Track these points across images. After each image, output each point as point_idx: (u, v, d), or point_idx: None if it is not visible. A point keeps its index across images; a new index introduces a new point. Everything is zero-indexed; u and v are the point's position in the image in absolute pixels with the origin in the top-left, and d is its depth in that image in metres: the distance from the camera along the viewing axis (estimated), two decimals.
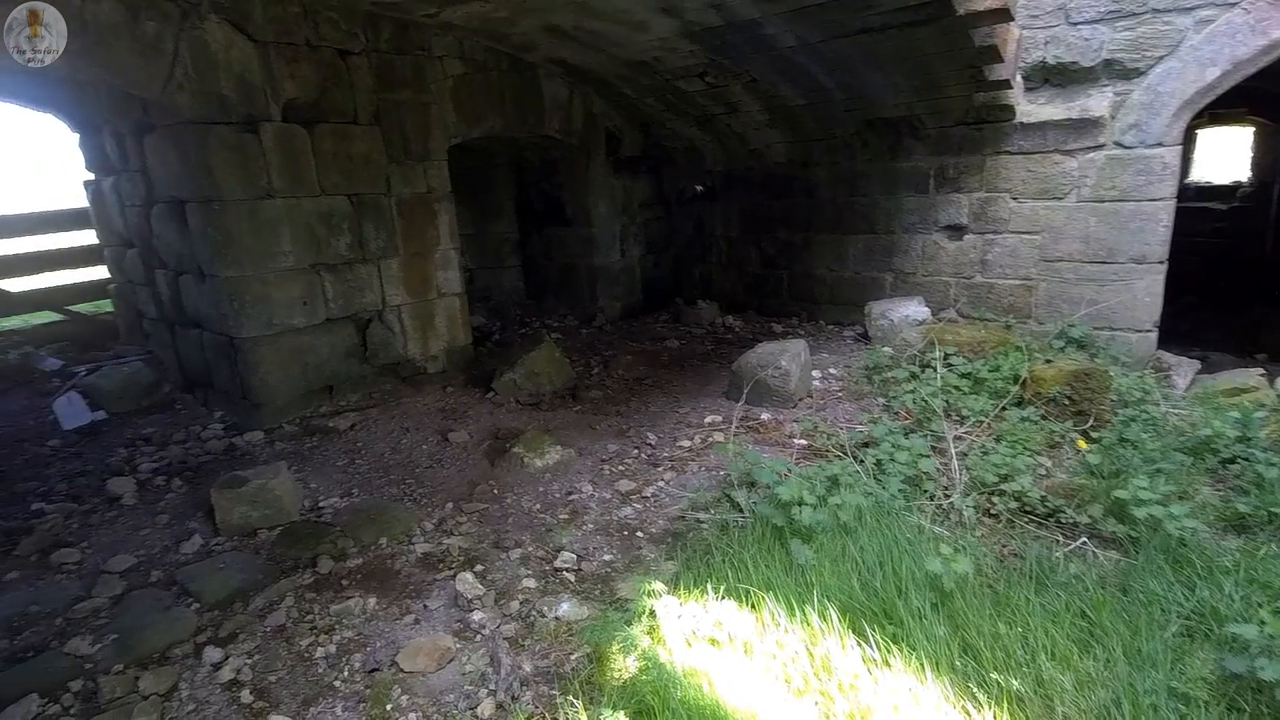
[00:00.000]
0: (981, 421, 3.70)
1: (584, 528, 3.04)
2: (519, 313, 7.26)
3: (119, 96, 4.52)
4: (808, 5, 4.09)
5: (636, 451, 3.82)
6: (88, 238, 6.14)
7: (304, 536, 3.08)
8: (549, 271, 7.40)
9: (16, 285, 6.05)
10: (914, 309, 5.41)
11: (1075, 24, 4.68)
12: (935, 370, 4.14)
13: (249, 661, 2.29)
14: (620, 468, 3.64)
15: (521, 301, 7.56)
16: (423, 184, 5.13)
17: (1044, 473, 3.24)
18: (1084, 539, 2.69)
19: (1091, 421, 3.58)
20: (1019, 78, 4.90)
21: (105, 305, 6.37)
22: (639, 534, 2.95)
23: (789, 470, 2.82)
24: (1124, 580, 2.39)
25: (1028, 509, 2.90)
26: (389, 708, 2.08)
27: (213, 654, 2.31)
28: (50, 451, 4.21)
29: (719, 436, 3.88)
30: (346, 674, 2.24)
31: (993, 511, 2.92)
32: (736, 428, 3.87)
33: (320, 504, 3.46)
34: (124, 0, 3.71)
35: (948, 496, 2.97)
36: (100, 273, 6.22)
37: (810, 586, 2.24)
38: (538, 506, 3.28)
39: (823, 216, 6.31)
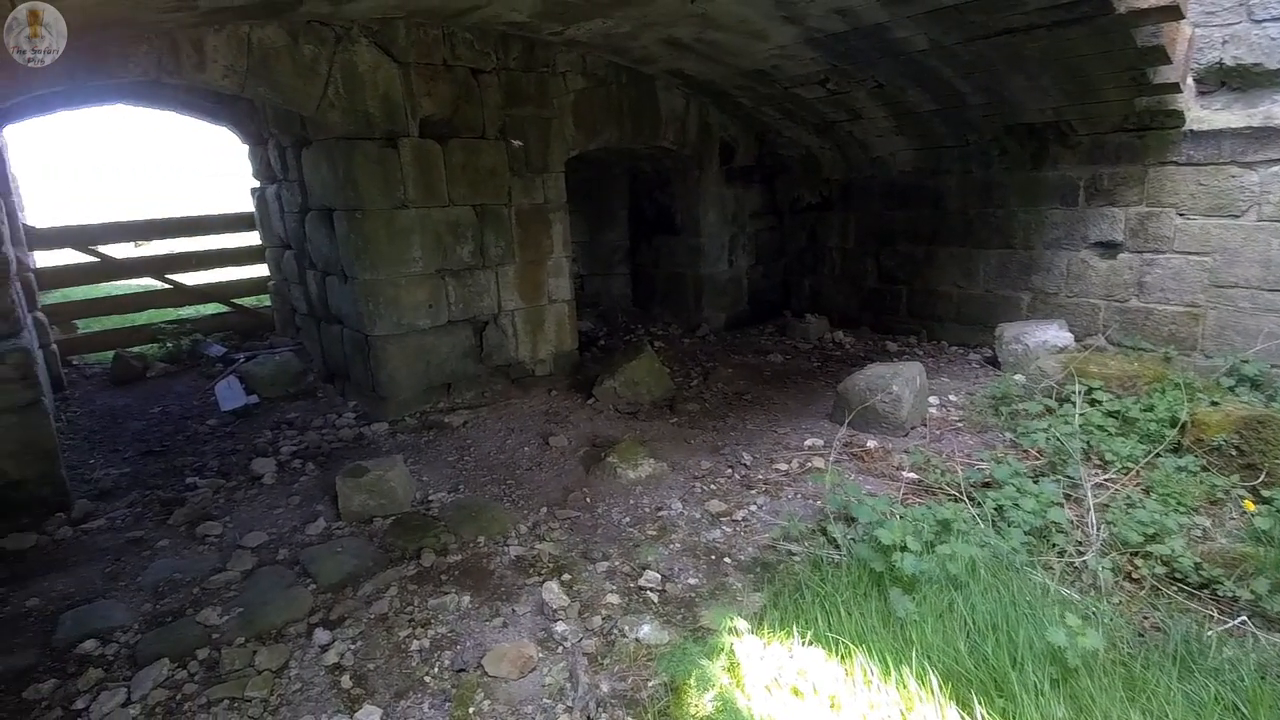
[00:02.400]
0: (1128, 469, 3.28)
1: (671, 546, 3.01)
2: (625, 319, 7.35)
3: (281, 113, 5.02)
4: (943, 6, 3.82)
5: (730, 471, 3.73)
6: (252, 239, 6.88)
7: (412, 528, 3.27)
8: (656, 279, 7.43)
9: (191, 279, 6.89)
10: (1053, 333, 4.92)
11: (1260, 21, 4.07)
12: (1075, 405, 3.72)
13: (352, 647, 2.45)
14: (712, 486, 3.57)
15: (628, 308, 7.65)
16: (540, 195, 5.31)
17: (1200, 535, 2.82)
18: (1244, 617, 2.30)
19: (1263, 478, 3.07)
20: (1190, 80, 4.32)
21: (265, 300, 7.12)
22: (726, 559, 2.88)
23: (892, 509, 2.63)
24: None
25: (1177, 576, 2.53)
26: (471, 710, 2.15)
27: (322, 636, 2.50)
28: (208, 430, 4.75)
29: (819, 462, 3.71)
30: (436, 670, 2.34)
31: (1134, 576, 2.58)
32: (838, 454, 3.68)
33: (430, 497, 3.65)
34: (286, 26, 4.13)
35: (1081, 554, 2.66)
36: (261, 270, 6.97)
37: (909, 644, 2.07)
38: (627, 519, 3.28)
39: (950, 229, 5.89)
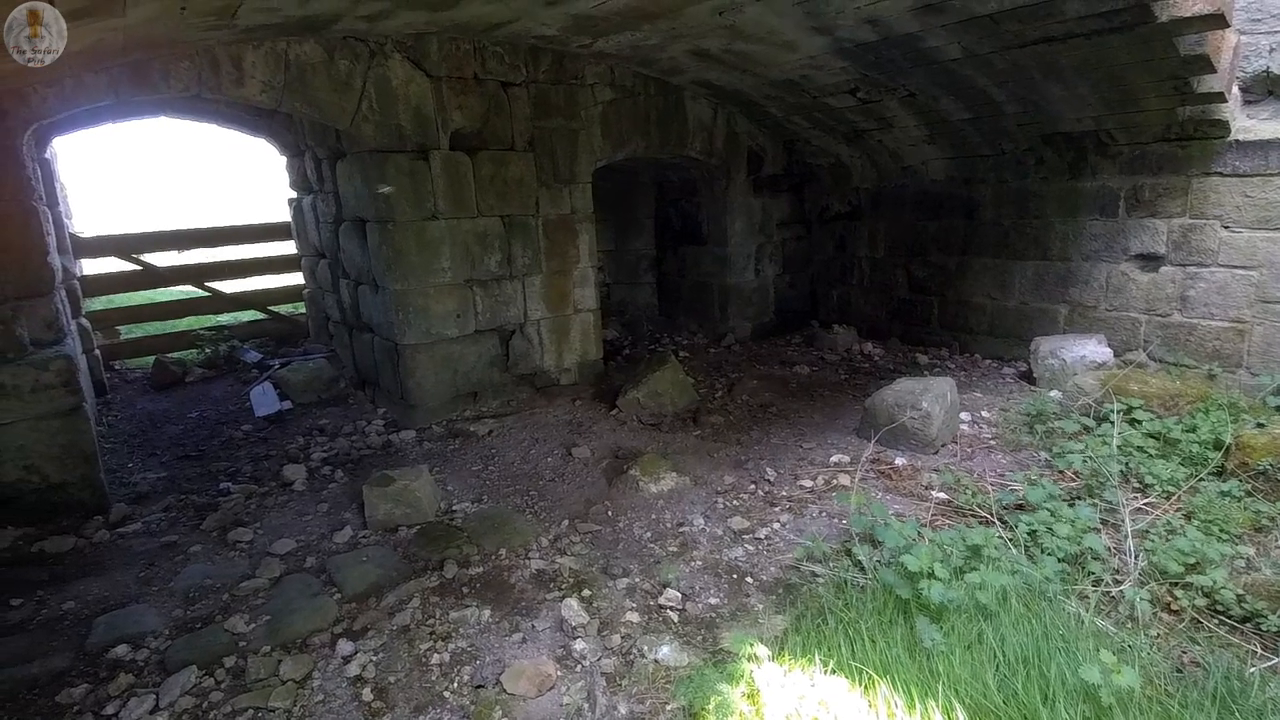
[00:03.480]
0: (1169, 494, 3.16)
1: (692, 564, 2.98)
2: (650, 328, 7.34)
3: (317, 126, 5.14)
4: (978, 15, 3.75)
5: (753, 486, 3.69)
6: (288, 247, 7.04)
7: (436, 538, 3.30)
8: (682, 288, 7.41)
9: (229, 286, 7.08)
10: (1092, 348, 4.78)
11: None
12: (1114, 425, 3.60)
13: (374, 659, 2.47)
14: (735, 502, 3.53)
15: (654, 317, 7.64)
16: (568, 205, 5.34)
17: (1244, 565, 2.70)
18: None
19: None
20: (1236, 89, 4.17)
21: (300, 307, 7.28)
22: (748, 579, 2.84)
23: (919, 533, 2.57)
24: None
25: (1219, 609, 2.43)
26: None
27: (345, 647, 2.53)
28: (243, 435, 4.86)
29: (844, 479, 3.65)
30: (456, 685, 2.35)
31: (1174, 608, 2.48)
32: (865, 472, 3.61)
33: (454, 507, 3.68)
34: (322, 42, 4.23)
35: (1118, 583, 2.56)
36: (297, 279, 7.12)
37: (936, 676, 2.01)
38: (648, 535, 3.26)
39: (984, 239, 5.77)
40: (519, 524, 3.42)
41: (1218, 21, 3.41)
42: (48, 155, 5.30)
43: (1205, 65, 3.73)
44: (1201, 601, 2.46)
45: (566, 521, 3.44)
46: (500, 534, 3.31)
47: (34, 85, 3.58)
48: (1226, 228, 4.42)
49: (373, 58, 4.39)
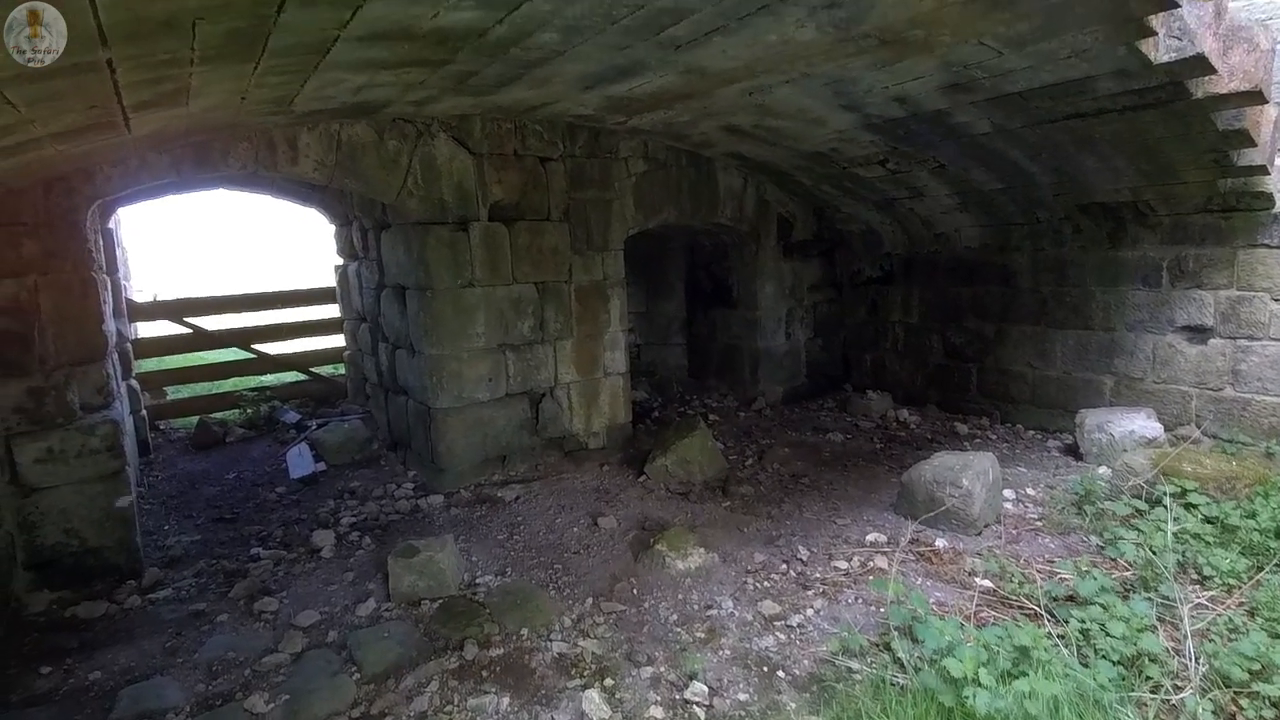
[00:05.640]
0: (1230, 587, 2.96)
1: (720, 653, 2.86)
2: (680, 390, 7.31)
3: (364, 199, 5.37)
4: (1007, 93, 3.78)
5: (785, 566, 3.57)
6: (332, 310, 7.28)
7: (458, 614, 3.25)
8: (711, 351, 7.40)
9: (273, 348, 7.32)
10: (1141, 423, 4.58)
11: None
12: (1167, 508, 3.41)
13: None
14: (766, 584, 3.41)
15: (684, 379, 7.62)
16: (600, 272, 5.44)
17: None
18: None
19: None
20: (1279, 161, 4.09)
21: (340, 368, 7.47)
22: (779, 673, 2.71)
23: (963, 630, 2.43)
24: None
25: None
26: None
27: None
28: (276, 498, 4.92)
29: (881, 561, 3.50)
30: None
31: (1239, 719, 2.28)
32: (903, 554, 3.47)
33: (477, 580, 3.63)
34: (373, 124, 4.46)
35: (1178, 690, 2.38)
36: (338, 340, 7.34)
37: None
38: (674, 617, 3.16)
39: (1022, 306, 5.67)
40: (542, 601, 3.35)
41: (1255, 98, 3.38)
42: (110, 225, 5.62)
43: (1245, 139, 3.68)
44: (1269, 713, 2.26)
45: (590, 600, 3.35)
46: (522, 611, 3.24)
47: (100, 165, 3.83)
48: (1277, 300, 4.27)
49: (419, 137, 4.61)
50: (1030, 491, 4.30)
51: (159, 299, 7.43)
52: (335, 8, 2.09)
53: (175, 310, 6.75)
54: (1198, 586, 3.03)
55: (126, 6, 1.66)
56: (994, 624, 2.70)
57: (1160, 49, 3.08)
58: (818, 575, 3.45)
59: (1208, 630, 2.67)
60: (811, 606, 3.16)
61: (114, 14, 1.66)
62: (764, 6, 2.58)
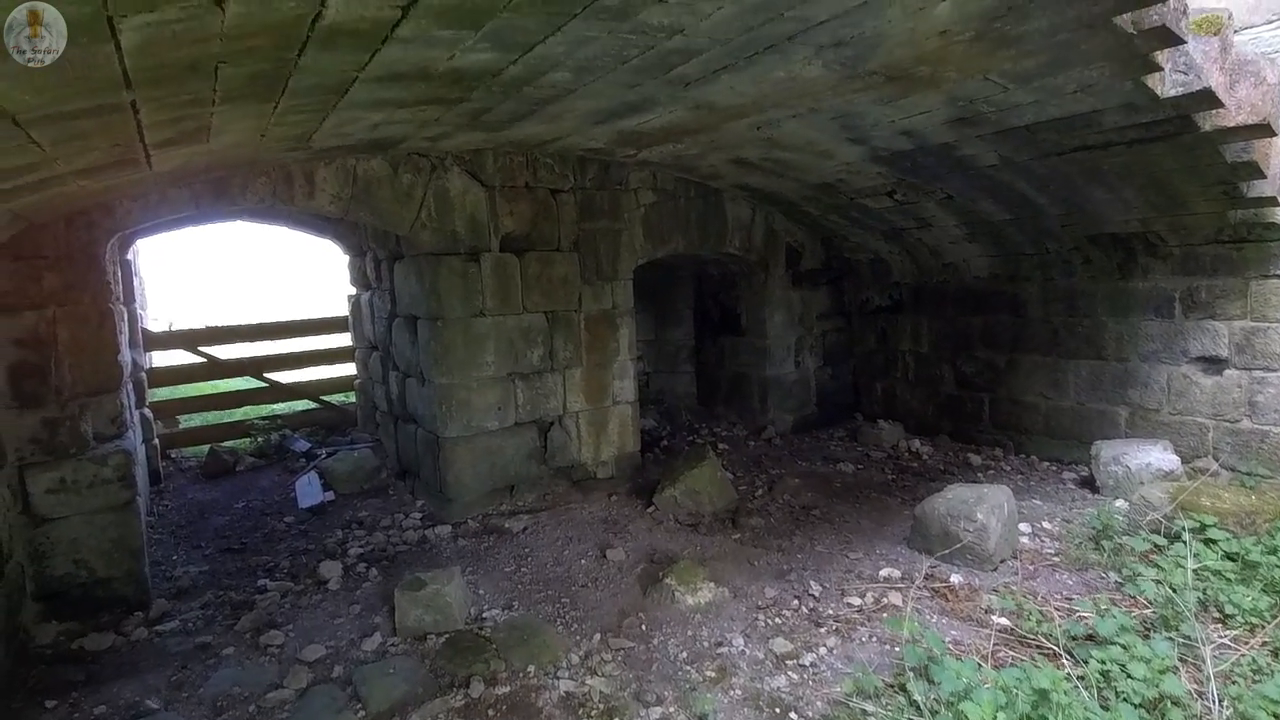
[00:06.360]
0: (1252, 626, 2.88)
1: (731, 693, 2.80)
2: (689, 418, 7.28)
3: (378, 230, 5.45)
4: (1013, 126, 3.81)
5: (797, 602, 3.51)
6: (344, 339, 7.34)
7: (464, 649, 3.20)
8: (720, 379, 7.39)
9: (285, 377, 7.37)
10: (1157, 455, 4.51)
11: None
12: (1187, 546, 3.34)
13: None
14: (777, 620, 3.35)
15: (693, 406, 7.60)
16: (609, 301, 5.47)
17: None
18: None
19: None
20: None
21: (350, 396, 7.50)
22: (792, 714, 2.64)
23: (980, 672, 2.37)
24: None
25: None
26: None
27: None
28: (284, 527, 4.91)
29: (895, 597, 3.44)
30: None
31: None
32: (918, 591, 3.40)
33: (484, 614, 3.60)
34: (388, 159, 4.54)
35: None
36: (349, 369, 7.39)
37: None
38: (684, 655, 3.10)
39: (1034, 336, 5.64)
40: (549, 636, 3.31)
41: (1263, 131, 3.39)
42: (129, 255, 5.72)
43: (1254, 171, 3.68)
44: None
45: (598, 635, 3.31)
46: (529, 647, 3.20)
47: (121, 199, 3.91)
48: None
49: (433, 171, 4.69)
50: (1046, 525, 4.23)
51: (174, 328, 7.53)
52: (355, 51, 2.15)
53: (189, 340, 6.83)
54: (1219, 625, 2.95)
55: (152, 53, 1.71)
56: (1012, 664, 2.63)
57: (1166, 83, 3.11)
58: (830, 612, 3.39)
59: (1231, 672, 2.59)
60: (824, 645, 3.10)
61: (139, 59, 1.71)
62: (771, 46, 2.63)
